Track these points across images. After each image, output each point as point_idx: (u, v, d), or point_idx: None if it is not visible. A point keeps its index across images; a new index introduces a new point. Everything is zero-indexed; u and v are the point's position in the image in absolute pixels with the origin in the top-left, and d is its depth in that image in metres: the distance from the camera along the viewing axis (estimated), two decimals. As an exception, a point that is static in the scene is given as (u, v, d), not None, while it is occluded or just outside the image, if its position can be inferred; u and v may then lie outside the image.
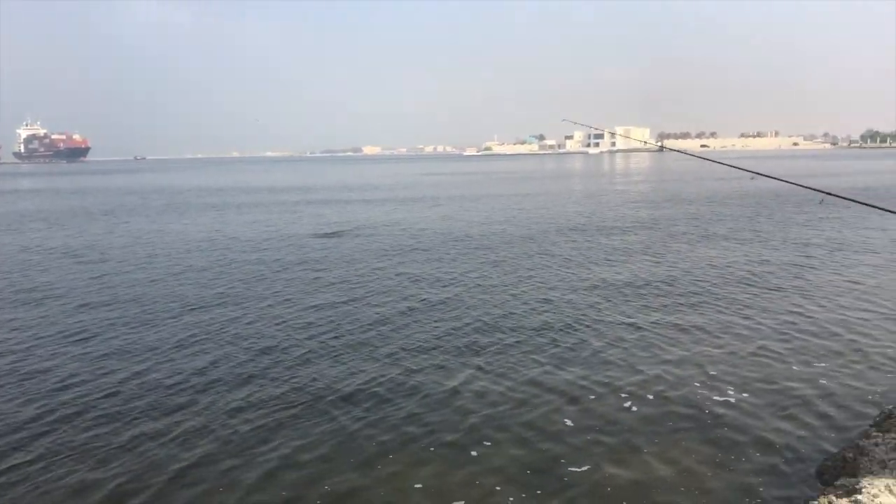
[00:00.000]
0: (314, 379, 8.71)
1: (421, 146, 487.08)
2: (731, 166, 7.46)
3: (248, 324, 11.42)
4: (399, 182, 64.78)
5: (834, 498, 4.18)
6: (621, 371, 8.76)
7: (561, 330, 10.66)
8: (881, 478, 4.26)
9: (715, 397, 7.75)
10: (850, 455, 4.96)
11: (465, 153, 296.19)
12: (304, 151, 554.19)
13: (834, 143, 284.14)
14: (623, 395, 7.90)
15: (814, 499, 4.38)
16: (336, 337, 10.56)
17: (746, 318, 11.11)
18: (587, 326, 10.83)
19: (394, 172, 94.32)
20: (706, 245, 19.28)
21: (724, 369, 8.70)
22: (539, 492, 5.82)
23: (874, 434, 5.26)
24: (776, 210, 28.53)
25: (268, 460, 6.57)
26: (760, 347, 9.54)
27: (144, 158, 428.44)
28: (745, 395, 7.81)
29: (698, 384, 8.18)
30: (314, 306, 12.59)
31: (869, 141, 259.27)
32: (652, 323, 10.93)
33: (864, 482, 4.26)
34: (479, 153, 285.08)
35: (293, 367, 9.20)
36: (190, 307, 12.65)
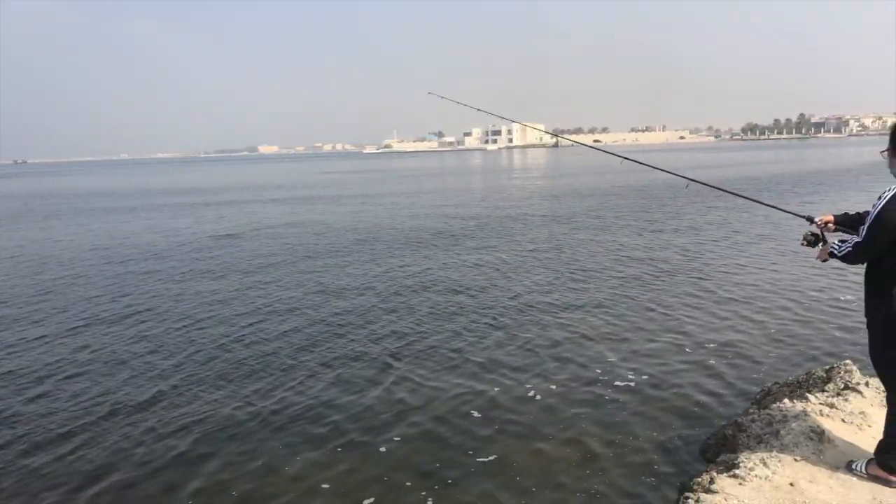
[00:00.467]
0: (218, 387, 8.60)
1: (319, 144, 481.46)
2: (626, 158, 7.82)
3: (147, 337, 11.11)
4: (299, 181, 63.94)
5: (715, 474, 4.50)
6: (525, 361, 9.04)
7: (468, 326, 10.86)
8: (757, 452, 4.62)
9: (616, 383, 8.13)
10: (730, 432, 5.34)
11: (365, 151, 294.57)
12: (198, 152, 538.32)
13: (717, 136, 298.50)
14: (528, 386, 8.17)
15: (697, 475, 4.70)
16: (240, 340, 10.43)
17: (643, 303, 11.64)
18: (494, 319, 11.08)
19: (293, 171, 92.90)
20: (605, 234, 19.99)
21: (623, 355, 9.13)
22: (449, 481, 5.98)
23: (752, 410, 5.68)
24: (669, 201, 29.83)
25: (172, 469, 6.47)
26: (657, 331, 10.03)
27: (25, 162, 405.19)
28: (643, 377, 8.25)
29: (599, 371, 8.55)
30: (217, 311, 12.35)
31: (749, 133, 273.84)
32: (552, 314, 11.28)
33: (742, 457, 4.60)
34: (379, 151, 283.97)
35: (195, 376, 9.04)
36: (84, 321, 12.19)
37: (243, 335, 10.80)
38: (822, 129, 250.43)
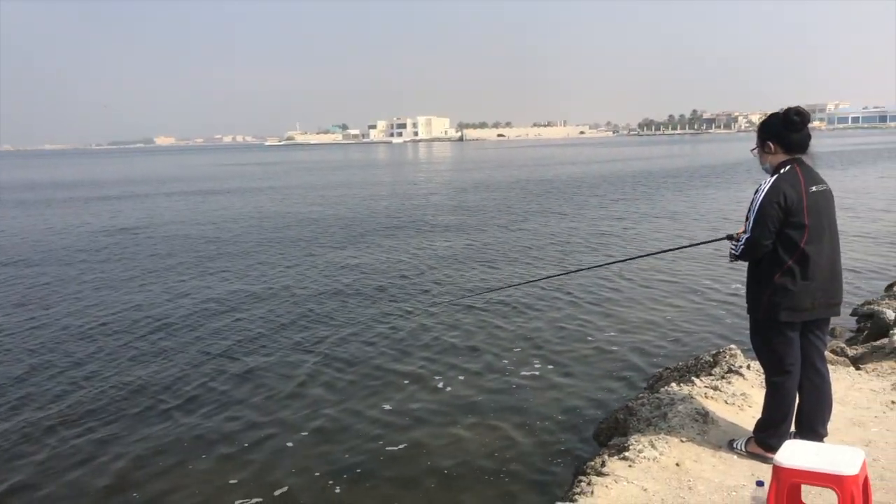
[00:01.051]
0: (122, 386, 8.26)
1: (219, 136, 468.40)
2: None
3: (55, 330, 10.56)
4: (198, 174, 62.07)
5: (606, 456, 4.65)
6: (437, 353, 9.08)
7: (380, 319, 10.81)
8: (646, 434, 4.79)
9: (522, 371, 8.28)
10: (622, 416, 5.51)
11: (267, 143, 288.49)
12: (90, 143, 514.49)
13: (615, 132, 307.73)
14: (437, 378, 8.20)
15: (591, 458, 4.83)
16: (161, 337, 10.05)
17: (549, 293, 11.87)
18: (406, 312, 11.07)
19: (191, 164, 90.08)
20: (512, 225, 20.27)
21: (533, 342, 9.32)
22: (359, 471, 5.94)
23: (642, 395, 5.88)
24: (572, 194, 30.54)
25: (72, 468, 6.21)
26: (561, 321, 10.24)
27: None
28: (549, 366, 8.42)
29: (506, 361, 8.66)
30: (126, 309, 11.86)
31: (645, 129, 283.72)
32: (462, 306, 11.36)
33: (632, 439, 4.76)
34: (282, 143, 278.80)
35: (106, 373, 8.67)
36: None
37: (144, 334, 10.41)
38: (713, 125, 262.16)
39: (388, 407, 7.42)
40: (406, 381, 8.15)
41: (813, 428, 4.47)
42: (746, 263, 4.52)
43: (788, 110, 4.32)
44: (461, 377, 8.21)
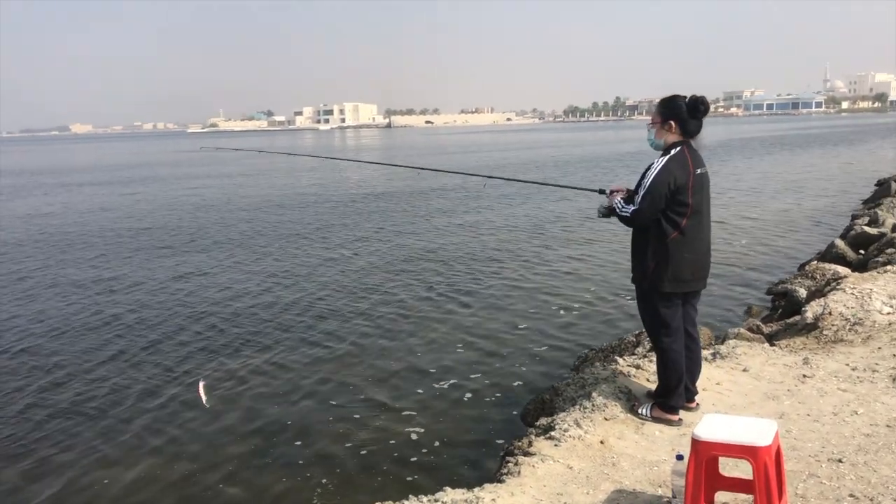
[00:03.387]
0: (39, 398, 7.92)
1: (139, 123, 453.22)
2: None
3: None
4: (119, 162, 60.01)
5: (533, 437, 4.70)
6: (358, 338, 9.01)
7: (295, 320, 10.66)
8: (571, 414, 4.86)
9: (450, 355, 8.40)
10: (548, 396, 5.59)
11: (189, 130, 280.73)
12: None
13: (541, 119, 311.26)
14: (360, 362, 8.17)
15: (518, 439, 4.87)
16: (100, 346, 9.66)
17: (475, 286, 11.92)
18: (328, 306, 10.95)
19: (110, 153, 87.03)
20: (428, 219, 20.27)
21: (459, 327, 9.43)
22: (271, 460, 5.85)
23: (567, 376, 5.97)
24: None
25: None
26: (491, 311, 10.30)
27: None
28: (477, 350, 8.56)
29: (434, 345, 8.75)
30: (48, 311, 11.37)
31: (570, 116, 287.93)
32: (390, 300, 11.31)
33: (558, 419, 4.83)
34: (205, 130, 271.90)
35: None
36: None
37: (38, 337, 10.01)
38: (636, 112, 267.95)
39: (317, 396, 7.38)
40: (332, 367, 8.11)
41: (687, 386, 4.85)
42: (629, 232, 4.82)
43: (696, 99, 4.57)
44: (383, 362, 8.20)
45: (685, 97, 4.62)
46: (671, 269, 4.52)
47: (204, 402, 6.61)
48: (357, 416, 6.80)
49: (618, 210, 4.68)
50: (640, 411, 4.86)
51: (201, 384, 6.84)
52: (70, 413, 7.15)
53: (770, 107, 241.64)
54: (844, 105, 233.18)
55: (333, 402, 7.17)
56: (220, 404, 7.22)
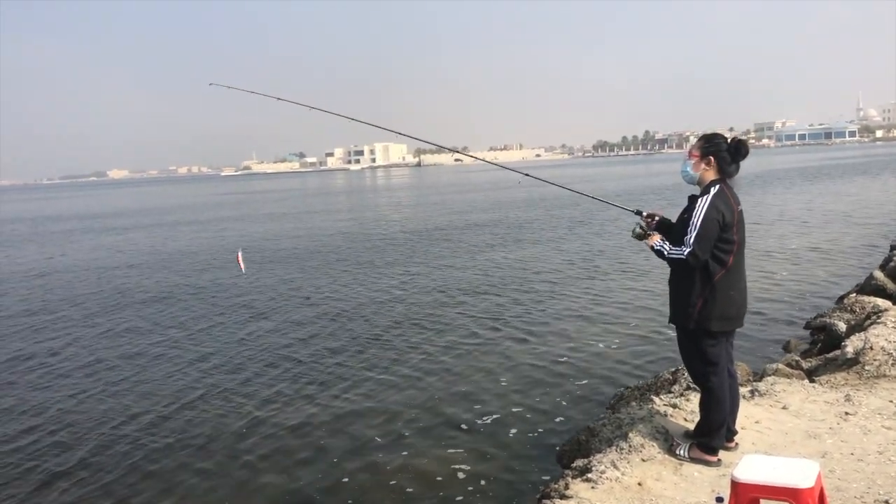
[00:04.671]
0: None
1: (174, 168, 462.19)
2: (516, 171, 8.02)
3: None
4: (155, 206, 61.19)
5: (570, 479, 4.65)
6: (384, 388, 9.02)
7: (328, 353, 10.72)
8: (608, 455, 4.80)
9: (483, 397, 8.32)
10: (583, 437, 5.53)
11: (223, 174, 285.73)
12: (41, 178, 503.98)
13: (570, 154, 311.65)
14: (394, 405, 8.16)
15: (555, 481, 4.82)
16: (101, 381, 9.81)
17: (505, 318, 11.90)
18: (366, 342, 11.00)
19: (143, 198, 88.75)
20: (472, 251, 20.31)
21: (489, 370, 9.32)
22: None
23: (603, 415, 5.90)
24: (533, 218, 30.76)
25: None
26: (515, 343, 10.27)
27: None
28: (510, 392, 8.45)
29: (465, 388, 8.67)
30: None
31: (599, 150, 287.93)
32: (417, 334, 11.33)
33: (594, 461, 4.77)
34: (238, 173, 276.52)
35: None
36: None
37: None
38: (665, 145, 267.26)
39: (350, 434, 7.42)
40: (366, 409, 8.13)
41: (728, 426, 4.78)
42: (668, 271, 4.77)
43: (739, 142, 4.61)
44: (420, 395, 8.21)
45: (726, 137, 4.67)
46: (718, 307, 4.49)
47: (242, 269, 7.26)
48: (390, 455, 6.81)
49: (666, 253, 4.61)
50: (678, 452, 4.78)
51: (240, 254, 7.39)
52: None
53: (802, 137, 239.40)
54: (879, 133, 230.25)
55: (358, 434, 7.20)
56: (266, 432, 7.34)
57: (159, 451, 7.28)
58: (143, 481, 6.66)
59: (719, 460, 4.64)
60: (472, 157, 9.10)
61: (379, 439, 7.26)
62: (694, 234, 4.44)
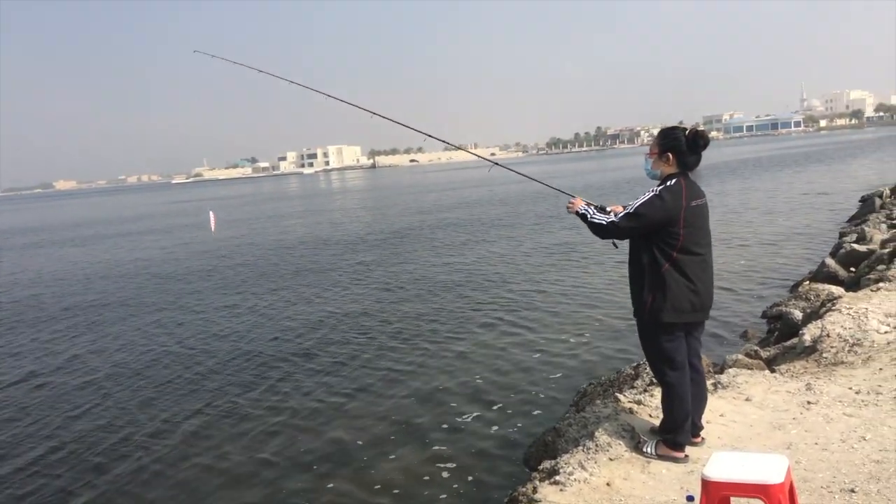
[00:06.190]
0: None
1: (123, 177, 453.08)
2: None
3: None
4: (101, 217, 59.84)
5: (538, 482, 4.57)
6: (353, 387, 8.87)
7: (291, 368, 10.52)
8: (575, 455, 4.73)
9: (449, 401, 8.23)
10: (550, 438, 5.46)
11: (174, 181, 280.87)
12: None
13: (525, 152, 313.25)
14: (356, 409, 8.01)
15: (521, 484, 4.75)
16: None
17: (465, 314, 11.82)
18: (327, 352, 10.82)
19: (95, 208, 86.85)
20: (422, 252, 20.20)
21: (453, 372, 9.23)
22: None
23: (568, 415, 5.85)
24: (496, 217, 30.77)
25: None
26: (474, 344, 10.20)
27: None
28: (474, 393, 8.39)
29: (431, 389, 8.58)
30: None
31: (553, 147, 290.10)
32: (376, 338, 11.19)
33: (561, 462, 4.70)
34: (190, 180, 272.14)
35: None
36: None
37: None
38: (617, 140, 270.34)
39: (322, 441, 7.33)
40: (332, 412, 8.09)
41: (694, 421, 4.74)
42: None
43: (696, 133, 4.57)
44: (376, 415, 8.05)
45: (685, 129, 4.62)
46: (669, 299, 4.45)
47: (213, 230, 6.99)
48: (346, 463, 6.70)
49: (589, 216, 4.68)
50: (644, 449, 4.73)
51: (212, 214, 7.11)
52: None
53: (750, 128, 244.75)
54: (822, 123, 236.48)
55: (324, 447, 7.05)
56: (246, 435, 7.40)
57: (123, 462, 7.05)
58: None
59: (686, 456, 4.62)
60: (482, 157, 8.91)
61: (338, 446, 7.14)
62: (625, 212, 4.51)
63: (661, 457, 4.65)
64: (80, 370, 10.80)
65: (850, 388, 5.56)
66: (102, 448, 7.72)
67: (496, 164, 6.72)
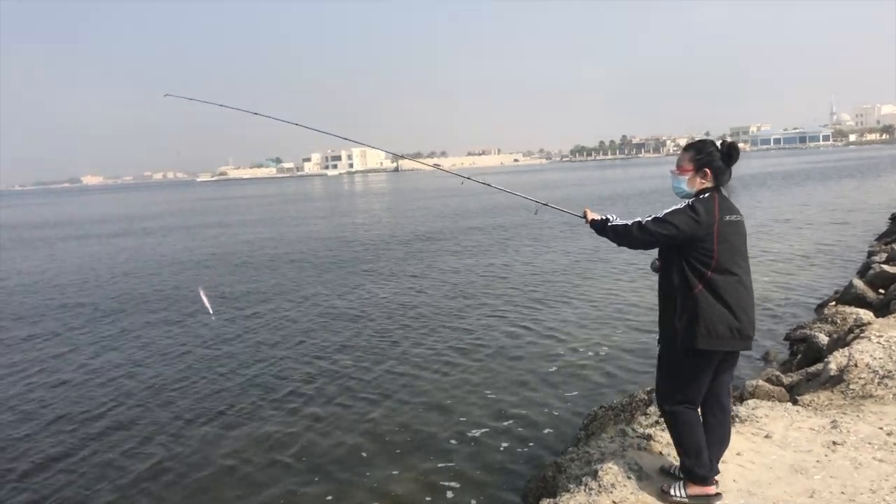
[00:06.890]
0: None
1: (149, 173, 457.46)
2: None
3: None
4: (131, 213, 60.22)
5: (533, 525, 4.18)
6: (359, 403, 8.58)
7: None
8: (575, 496, 4.35)
9: (448, 428, 7.77)
10: (550, 473, 5.08)
11: (199, 179, 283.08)
12: (11, 185, 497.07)
13: (548, 158, 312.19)
14: (346, 433, 7.69)
15: (516, 527, 4.38)
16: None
17: (488, 328, 11.47)
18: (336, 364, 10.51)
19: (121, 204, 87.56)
20: (435, 260, 19.87)
21: (457, 395, 8.79)
22: None
23: (571, 449, 5.46)
24: (513, 227, 30.40)
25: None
26: (485, 361, 9.84)
27: None
28: (473, 419, 7.94)
29: (430, 416, 8.15)
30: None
31: (577, 155, 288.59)
32: (375, 353, 10.87)
33: (562, 501, 4.32)
34: (214, 178, 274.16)
35: None
36: None
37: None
38: (643, 150, 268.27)
39: (307, 455, 7.12)
40: (354, 417, 7.95)
41: (711, 461, 4.27)
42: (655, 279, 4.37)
43: (730, 145, 4.19)
44: (369, 433, 7.72)
45: (713, 142, 4.26)
46: (703, 323, 4.00)
47: (209, 310, 7.06)
48: (326, 482, 6.46)
49: (611, 220, 4.36)
50: (672, 492, 4.26)
51: (202, 291, 7.02)
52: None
53: (777, 141, 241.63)
54: (852, 137, 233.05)
55: (307, 464, 6.72)
56: (267, 439, 7.43)
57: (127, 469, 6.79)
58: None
59: (719, 494, 4.21)
60: (445, 170, 8.59)
61: (312, 466, 6.90)
62: (653, 216, 4.14)
63: (691, 497, 4.21)
64: (102, 368, 10.67)
65: (882, 428, 5.11)
66: (125, 448, 7.62)
67: (468, 178, 6.52)
